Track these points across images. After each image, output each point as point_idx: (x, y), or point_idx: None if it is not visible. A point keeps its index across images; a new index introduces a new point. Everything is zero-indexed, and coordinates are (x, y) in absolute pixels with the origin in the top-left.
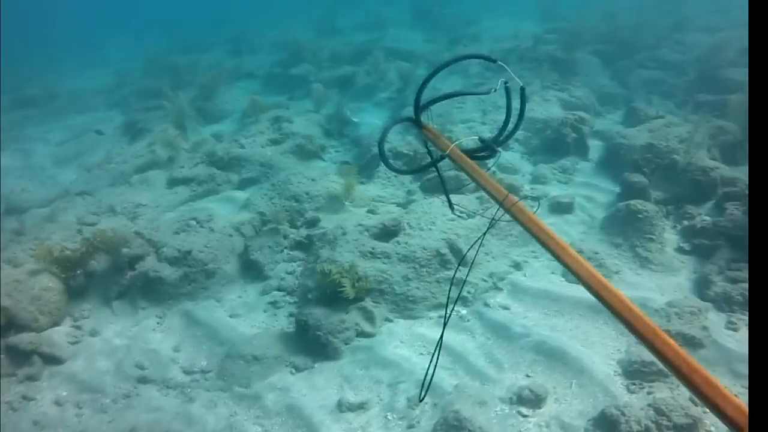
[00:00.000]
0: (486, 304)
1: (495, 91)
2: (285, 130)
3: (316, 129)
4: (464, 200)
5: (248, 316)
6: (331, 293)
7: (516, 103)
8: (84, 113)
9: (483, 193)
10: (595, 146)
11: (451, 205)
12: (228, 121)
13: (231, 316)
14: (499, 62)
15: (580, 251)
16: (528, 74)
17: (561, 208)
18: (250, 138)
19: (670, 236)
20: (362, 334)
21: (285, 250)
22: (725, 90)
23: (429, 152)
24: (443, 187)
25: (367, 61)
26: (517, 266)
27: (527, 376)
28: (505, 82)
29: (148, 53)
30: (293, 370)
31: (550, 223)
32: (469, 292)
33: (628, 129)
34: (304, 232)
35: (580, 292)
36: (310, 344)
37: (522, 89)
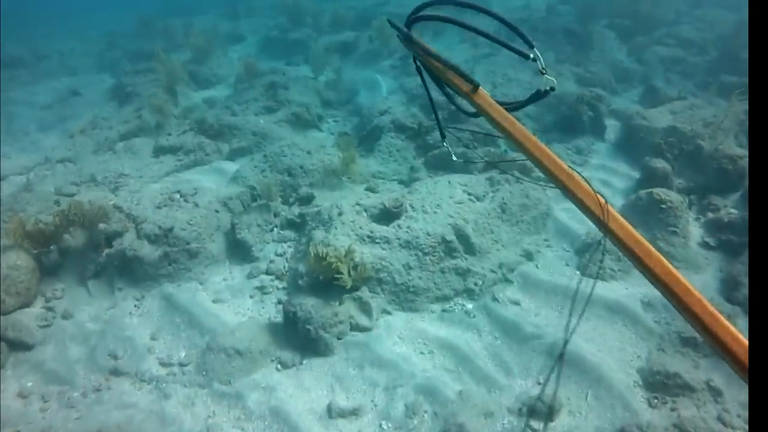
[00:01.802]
0: (494, 299)
1: (539, 67)
2: (280, 97)
3: (314, 97)
4: (472, 180)
5: (233, 302)
6: (324, 280)
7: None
8: (73, 75)
9: (494, 173)
10: (611, 126)
11: (441, 132)
12: (221, 86)
13: (214, 302)
14: (535, 51)
15: (597, 242)
16: (541, 46)
17: None
18: (243, 105)
19: (693, 229)
20: (357, 327)
21: (275, 229)
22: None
23: (418, 68)
24: (432, 109)
25: (370, 26)
26: (528, 256)
27: (538, 383)
28: (552, 89)
29: (141, 14)
30: (279, 367)
31: (562, 208)
32: (476, 284)
33: (648, 110)
34: (296, 209)
35: (598, 288)
36: (299, 338)
37: (551, 89)
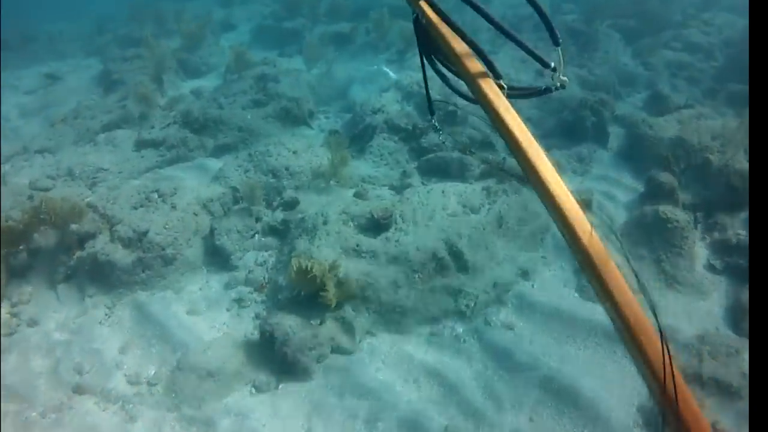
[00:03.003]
0: (487, 322)
1: (553, 73)
2: (270, 90)
3: (305, 91)
4: (467, 189)
5: (208, 315)
6: (305, 296)
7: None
8: (60, 60)
9: (491, 183)
10: (615, 133)
11: (431, 108)
12: (212, 75)
13: (189, 313)
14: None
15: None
16: (544, 45)
17: None
18: (231, 97)
19: (698, 250)
20: (339, 350)
21: (257, 235)
22: None
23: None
24: (424, 80)
25: (368, 18)
26: (524, 274)
27: (531, 420)
28: (563, 86)
29: None
30: (254, 390)
31: None
32: (467, 306)
33: (654, 118)
34: (279, 215)
35: (597, 313)
36: (275, 359)
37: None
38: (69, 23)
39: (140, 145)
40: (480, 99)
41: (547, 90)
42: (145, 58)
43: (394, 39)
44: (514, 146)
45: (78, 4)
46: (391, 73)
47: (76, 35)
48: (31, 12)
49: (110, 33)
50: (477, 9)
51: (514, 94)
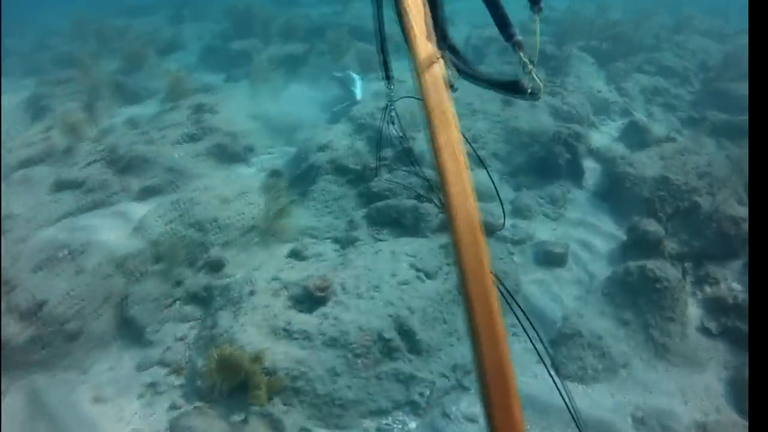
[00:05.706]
0: (445, 414)
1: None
2: (205, 123)
3: (247, 123)
4: (423, 248)
5: (117, 403)
6: (228, 390)
7: None
8: None
9: (449, 238)
10: (591, 169)
11: (387, 72)
12: (152, 101)
13: (94, 401)
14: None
15: (578, 333)
16: (513, 70)
17: (551, 259)
18: (163, 131)
19: (691, 309)
20: None
21: (177, 303)
22: (739, 109)
23: None
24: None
25: (323, 38)
26: None
27: None
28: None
29: (84, 11)
30: None
31: (533, 280)
32: (422, 394)
33: (635, 153)
34: (203, 278)
35: (578, 399)
36: None
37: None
38: (12, 38)
39: (58, 186)
40: (418, 77)
41: (516, 86)
42: (80, 82)
43: (350, 62)
44: (432, 143)
45: (29, 16)
46: (358, 85)
47: (17, 51)
48: None
49: (50, 50)
50: None
51: (468, 73)
